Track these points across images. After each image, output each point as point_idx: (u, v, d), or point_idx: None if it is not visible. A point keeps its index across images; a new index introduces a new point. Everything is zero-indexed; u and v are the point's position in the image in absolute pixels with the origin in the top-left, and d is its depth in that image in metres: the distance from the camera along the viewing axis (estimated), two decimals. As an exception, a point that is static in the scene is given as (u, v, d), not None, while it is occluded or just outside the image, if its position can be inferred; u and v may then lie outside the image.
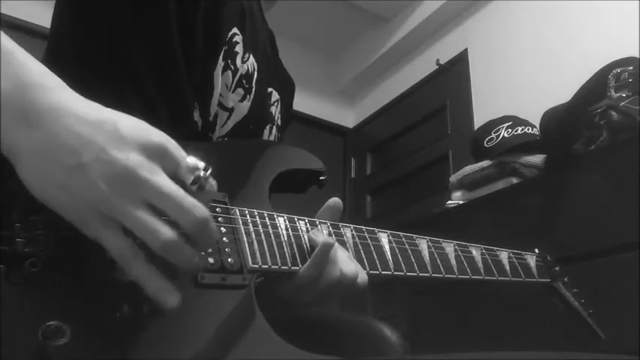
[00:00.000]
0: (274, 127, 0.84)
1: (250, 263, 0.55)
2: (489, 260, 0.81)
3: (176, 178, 0.45)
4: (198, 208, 0.43)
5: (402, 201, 3.12)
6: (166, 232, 0.42)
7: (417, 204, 2.88)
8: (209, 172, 0.46)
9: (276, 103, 0.85)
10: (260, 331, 0.51)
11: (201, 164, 0.46)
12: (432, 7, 3.01)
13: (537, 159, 1.83)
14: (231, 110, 0.76)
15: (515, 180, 1.84)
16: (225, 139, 0.75)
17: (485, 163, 1.95)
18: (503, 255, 0.84)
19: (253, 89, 0.79)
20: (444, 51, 3.04)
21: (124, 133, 0.42)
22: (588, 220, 1.41)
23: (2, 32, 0.42)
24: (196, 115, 0.71)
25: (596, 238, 1.36)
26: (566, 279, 0.89)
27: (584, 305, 0.87)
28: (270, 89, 0.84)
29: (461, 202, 2.00)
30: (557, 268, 0.89)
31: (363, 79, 3.68)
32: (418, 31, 3.16)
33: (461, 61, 2.92)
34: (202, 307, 0.50)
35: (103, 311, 0.44)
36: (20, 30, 2.46)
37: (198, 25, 0.70)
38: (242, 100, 0.77)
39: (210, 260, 0.52)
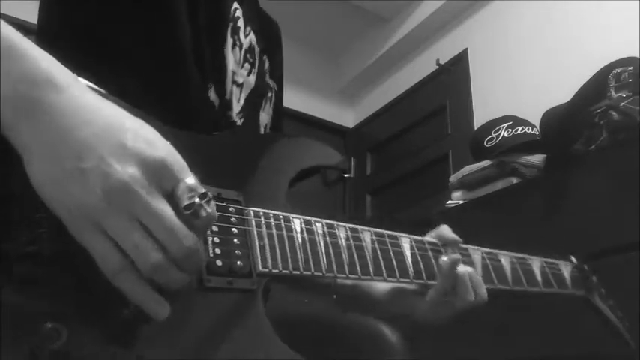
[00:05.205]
0: (271, 94, 0.85)
1: (260, 267, 0.53)
2: (519, 269, 0.77)
3: (173, 197, 0.43)
4: (187, 237, 0.42)
5: (402, 201, 3.12)
6: (155, 255, 0.41)
7: (417, 204, 2.88)
8: (207, 199, 0.44)
9: (268, 69, 0.86)
10: (263, 335, 0.51)
11: (201, 190, 0.44)
12: (432, 7, 3.01)
13: (537, 159, 1.82)
14: (241, 86, 0.76)
15: (515, 180, 1.83)
16: (241, 115, 0.75)
17: (486, 163, 1.94)
18: (536, 264, 0.80)
19: (256, 62, 0.80)
20: (444, 51, 3.04)
21: (127, 144, 0.42)
22: (588, 220, 1.41)
23: (14, 30, 0.43)
24: (212, 95, 0.70)
25: (596, 238, 1.36)
26: (602, 290, 0.84)
27: (620, 319, 0.83)
28: (264, 57, 0.85)
29: (461, 202, 2.00)
30: (594, 279, 0.84)
31: (363, 79, 3.68)
32: (418, 31, 3.16)
33: (461, 61, 2.91)
34: (207, 310, 0.49)
35: (104, 313, 0.44)
36: (20, 29, 2.46)
37: (202, 5, 0.69)
38: (249, 74, 0.78)
39: (219, 263, 0.51)
